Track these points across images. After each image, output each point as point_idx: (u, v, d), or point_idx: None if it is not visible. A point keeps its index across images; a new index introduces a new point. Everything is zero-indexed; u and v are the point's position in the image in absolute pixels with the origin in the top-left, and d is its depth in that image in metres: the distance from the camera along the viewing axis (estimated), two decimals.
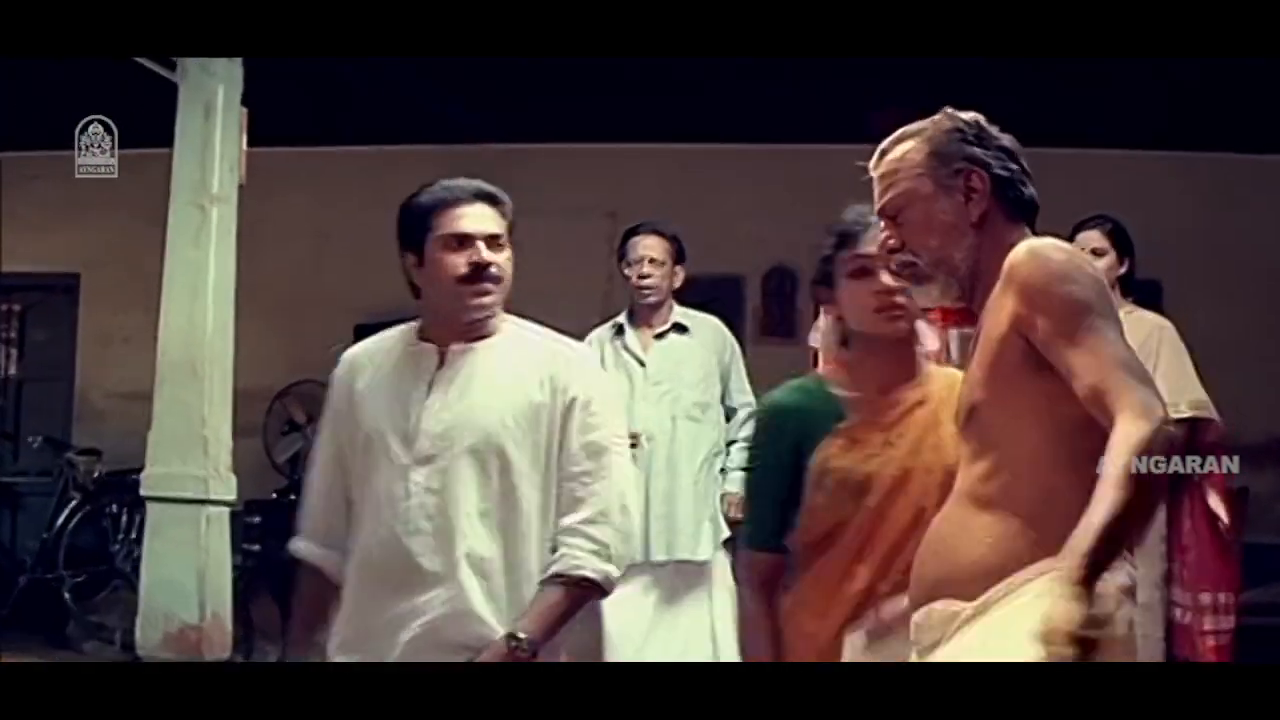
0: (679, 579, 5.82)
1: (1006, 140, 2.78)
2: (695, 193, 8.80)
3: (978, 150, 2.73)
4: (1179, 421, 5.22)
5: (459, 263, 3.26)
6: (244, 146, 6.28)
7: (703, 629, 5.73)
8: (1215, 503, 5.42)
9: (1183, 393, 5.34)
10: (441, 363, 3.30)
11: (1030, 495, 2.53)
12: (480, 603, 3.15)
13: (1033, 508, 2.53)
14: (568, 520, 3.23)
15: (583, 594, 3.22)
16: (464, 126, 8.89)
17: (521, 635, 3.10)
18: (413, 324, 3.40)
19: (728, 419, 5.99)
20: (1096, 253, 5.37)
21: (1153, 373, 5.01)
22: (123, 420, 9.40)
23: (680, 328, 5.96)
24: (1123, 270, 5.52)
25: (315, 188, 9.62)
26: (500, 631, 3.11)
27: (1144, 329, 5.41)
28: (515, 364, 3.29)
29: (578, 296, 8.99)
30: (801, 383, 3.31)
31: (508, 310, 3.35)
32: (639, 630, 5.68)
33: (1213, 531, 5.44)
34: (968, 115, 2.80)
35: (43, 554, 8.97)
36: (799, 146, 9.10)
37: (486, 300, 3.27)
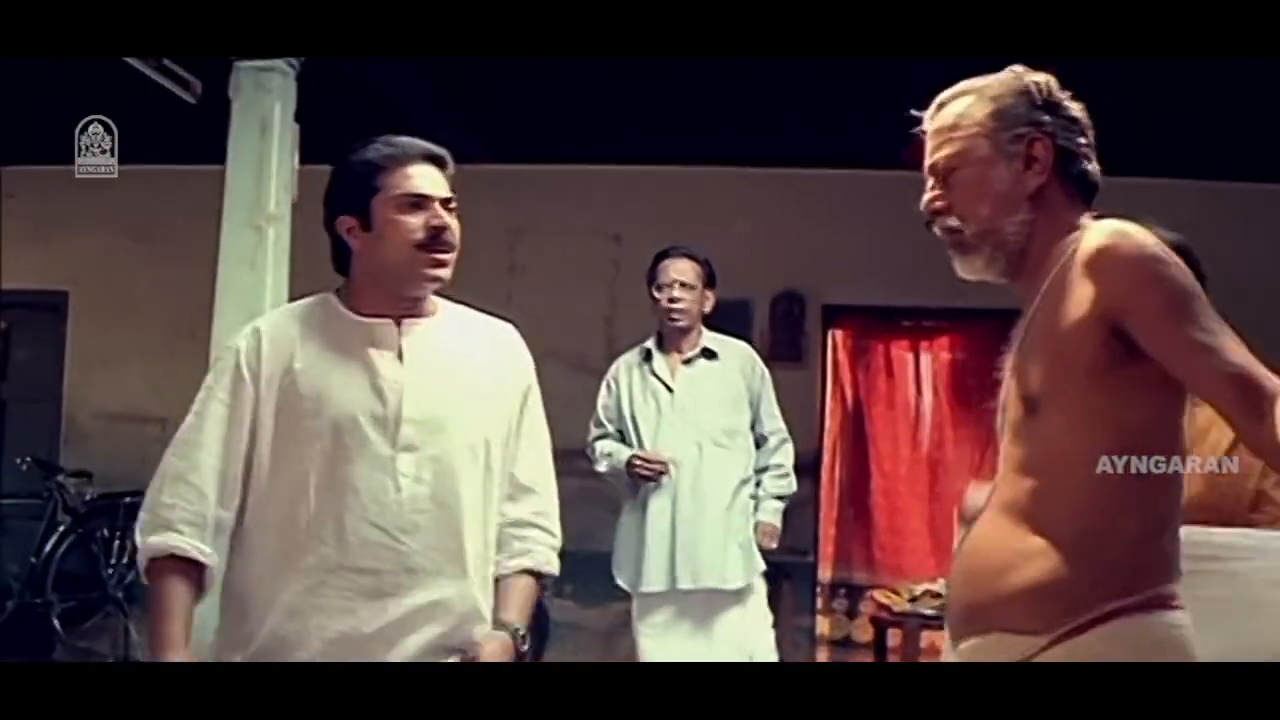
0: (710, 608, 5.66)
1: (1077, 109, 2.57)
2: (701, 215, 8.68)
3: (1045, 116, 2.52)
4: None
5: (415, 225, 2.98)
6: (297, 164, 6.11)
7: (740, 658, 5.56)
8: None
9: None
10: (398, 339, 3.02)
11: (1088, 513, 2.35)
12: (485, 604, 2.99)
13: (1090, 526, 2.35)
14: (519, 511, 3.10)
15: (541, 590, 3.15)
16: (467, 145, 8.74)
17: (521, 630, 2.98)
18: (326, 296, 3.09)
19: (758, 446, 5.84)
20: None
21: None
22: (111, 442, 9.23)
23: (709, 353, 5.81)
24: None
25: None
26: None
27: None
28: (477, 346, 3.10)
29: (581, 318, 8.88)
30: None
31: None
32: (672, 659, 5.52)
33: None
34: (1040, 76, 2.57)
35: (31, 579, 8.76)
36: (808, 171, 8.99)
37: (443, 270, 3.01)
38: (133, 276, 9.68)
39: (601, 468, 5.85)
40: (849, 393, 9.45)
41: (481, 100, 7.68)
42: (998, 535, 2.44)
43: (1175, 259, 2.33)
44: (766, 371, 5.94)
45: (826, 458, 9.30)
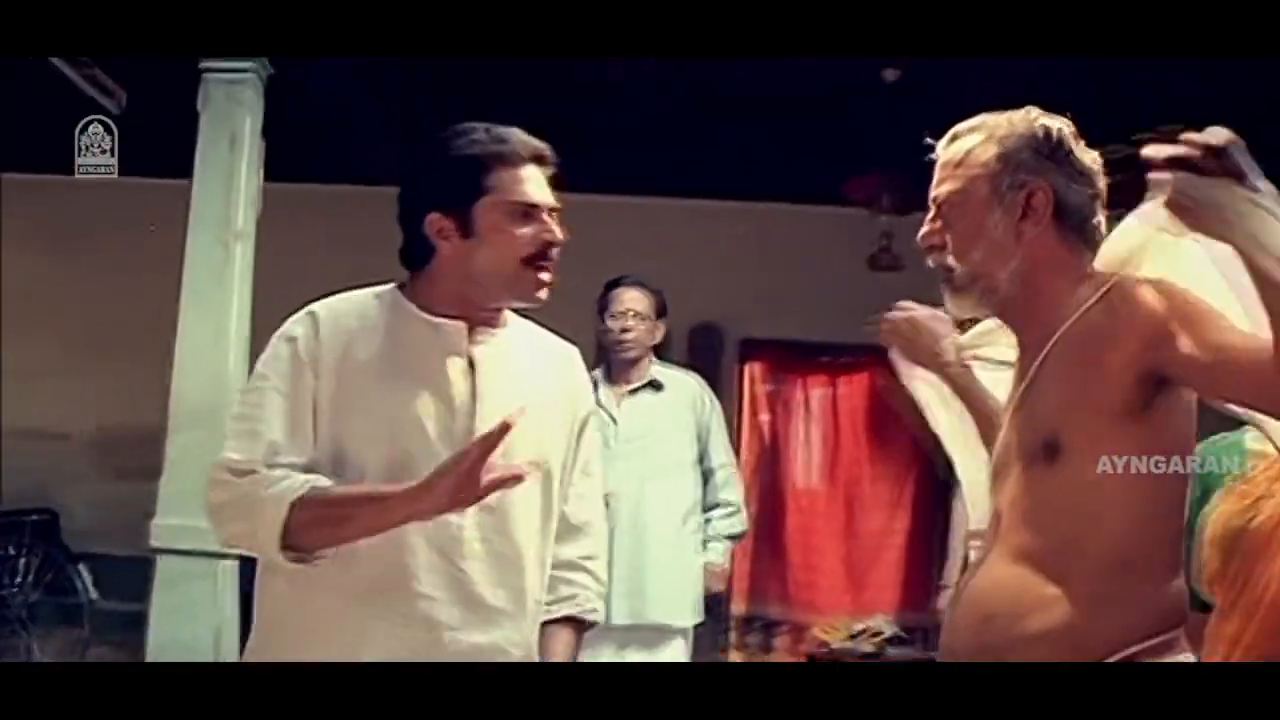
0: (655, 645, 5.56)
1: (1089, 159, 2.50)
2: (624, 245, 8.63)
3: (1049, 164, 2.46)
4: None
5: (525, 238, 2.69)
6: (261, 180, 6.02)
7: None
8: None
9: None
10: (468, 347, 2.75)
11: (1116, 559, 2.34)
12: (537, 646, 2.79)
13: (1117, 572, 2.34)
14: (570, 553, 2.89)
15: (580, 638, 2.94)
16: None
17: None
18: (390, 289, 2.80)
19: (705, 480, 5.76)
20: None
21: None
22: (15, 458, 9.01)
23: (656, 385, 5.71)
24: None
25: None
26: None
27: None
28: (545, 365, 2.87)
29: None
30: None
31: None
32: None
33: None
34: (1054, 121, 2.50)
35: None
36: (727, 204, 9.02)
37: (547, 289, 2.74)
38: (46, 289, 9.46)
39: None
40: (765, 427, 9.43)
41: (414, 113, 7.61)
42: (1013, 581, 2.39)
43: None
44: (717, 404, 5.88)
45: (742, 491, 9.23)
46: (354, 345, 2.69)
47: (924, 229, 2.55)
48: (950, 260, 2.50)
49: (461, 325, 2.75)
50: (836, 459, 9.24)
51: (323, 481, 2.57)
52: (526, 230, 2.70)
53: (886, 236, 7.72)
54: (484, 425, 2.60)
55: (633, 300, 5.67)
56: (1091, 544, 2.35)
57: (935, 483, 8.64)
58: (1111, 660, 2.30)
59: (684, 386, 5.82)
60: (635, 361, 5.70)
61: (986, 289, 2.49)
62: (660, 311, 5.75)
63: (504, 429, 2.43)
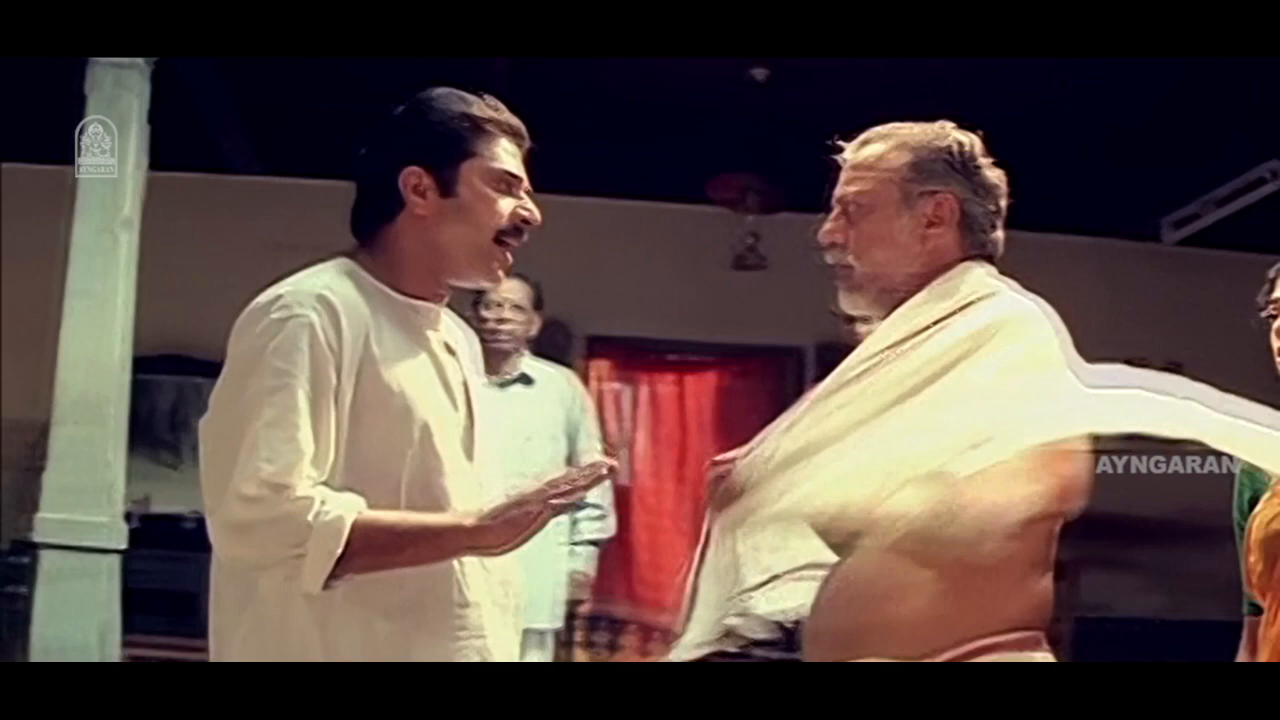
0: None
1: (995, 176, 2.59)
2: None
3: (957, 176, 2.55)
4: None
5: (504, 210, 2.57)
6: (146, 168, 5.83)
7: None
8: None
9: None
10: (443, 332, 2.63)
11: (982, 551, 2.35)
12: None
13: (982, 563, 2.34)
14: None
15: None
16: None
17: None
18: (342, 265, 2.57)
19: None
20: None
21: None
22: None
23: (526, 379, 5.61)
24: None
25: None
26: None
27: None
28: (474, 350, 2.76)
29: None
30: None
31: None
32: None
33: None
34: (965, 136, 2.59)
35: None
36: (574, 199, 8.74)
37: (500, 279, 2.64)
38: None
39: None
40: (612, 425, 9.35)
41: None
42: (882, 565, 2.39)
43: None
44: (589, 402, 5.83)
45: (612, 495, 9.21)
46: (368, 337, 2.48)
47: (826, 226, 2.61)
48: (850, 259, 2.57)
49: (435, 307, 2.64)
50: (683, 458, 9.26)
51: (362, 504, 2.38)
52: (507, 201, 2.59)
53: (752, 236, 7.81)
54: (477, 418, 2.60)
55: (510, 290, 5.52)
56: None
57: None
58: (966, 650, 2.34)
59: (555, 380, 5.74)
60: (508, 354, 5.57)
61: (884, 289, 2.55)
62: (537, 304, 5.66)
63: (597, 477, 2.40)
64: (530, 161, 2.67)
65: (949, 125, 2.61)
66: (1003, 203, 2.60)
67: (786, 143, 7.05)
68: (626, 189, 8.71)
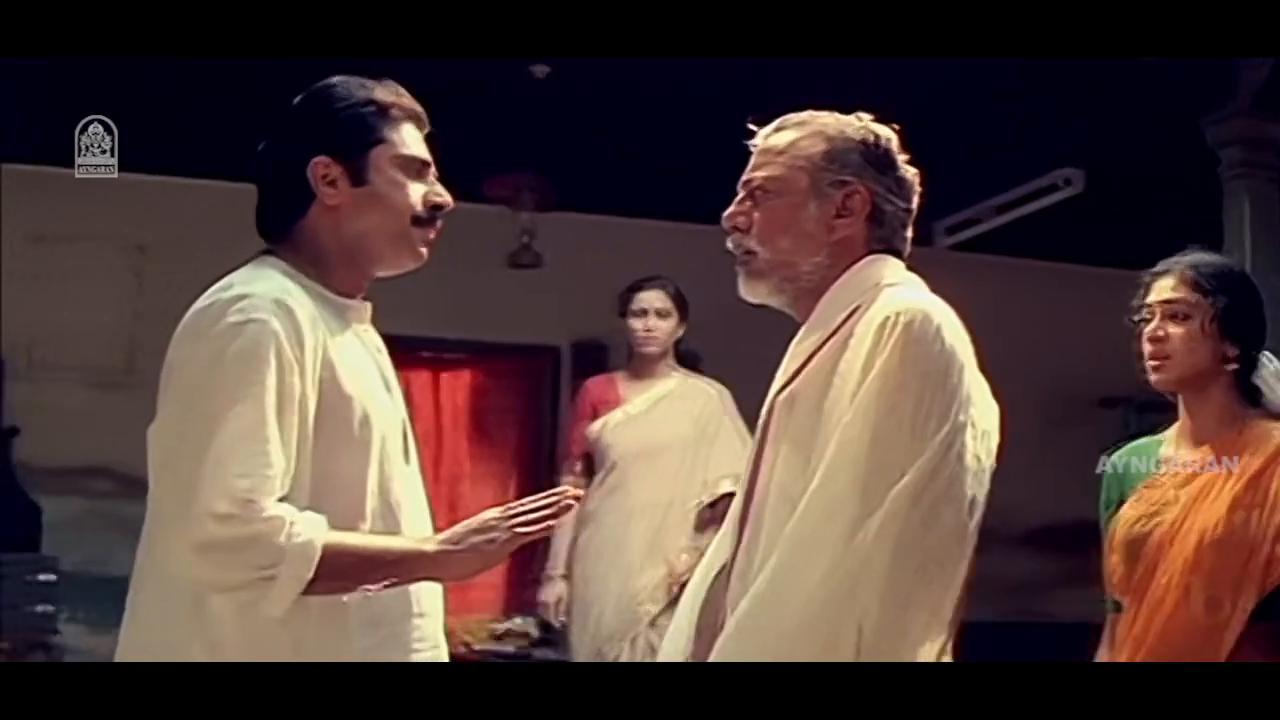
0: None
1: (909, 174, 2.59)
2: (229, 231, 8.31)
3: (871, 171, 2.54)
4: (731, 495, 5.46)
5: (418, 195, 2.52)
6: None
7: None
8: None
9: (740, 462, 5.48)
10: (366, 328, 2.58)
11: None
12: None
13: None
14: None
15: None
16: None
17: None
18: (278, 262, 2.50)
19: None
20: (660, 314, 5.53)
21: (712, 441, 5.29)
22: None
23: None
24: (680, 333, 5.67)
25: None
26: None
27: (702, 396, 5.59)
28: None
29: (101, 330, 8.37)
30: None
31: None
32: None
33: None
34: (883, 129, 2.59)
35: None
36: None
37: (423, 256, 2.57)
38: None
39: None
40: None
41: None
42: None
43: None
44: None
45: None
46: (327, 343, 2.41)
47: (731, 209, 2.58)
48: (752, 244, 2.54)
49: (365, 305, 2.60)
50: (440, 457, 9.15)
51: (324, 525, 2.32)
52: (418, 186, 2.55)
53: (527, 234, 7.74)
54: (406, 416, 2.56)
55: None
56: None
57: (539, 483, 8.68)
58: None
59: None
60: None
61: (786, 278, 2.54)
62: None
63: (562, 507, 2.41)
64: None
65: (866, 118, 2.59)
66: (914, 202, 2.59)
67: (565, 141, 7.05)
68: None
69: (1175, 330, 3.24)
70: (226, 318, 2.32)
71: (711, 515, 5.49)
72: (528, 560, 9.35)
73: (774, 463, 2.45)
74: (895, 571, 2.24)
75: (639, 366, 5.63)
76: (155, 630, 2.40)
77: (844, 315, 2.46)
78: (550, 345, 8.77)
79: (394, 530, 2.47)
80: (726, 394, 5.62)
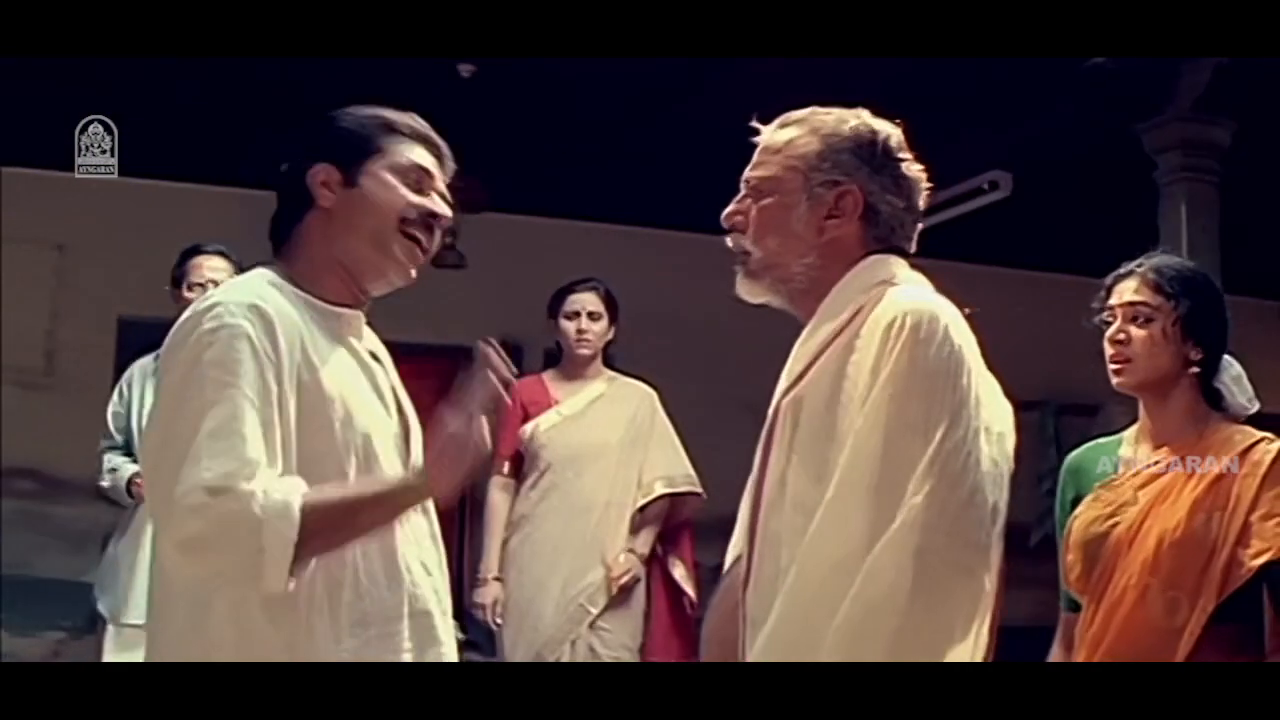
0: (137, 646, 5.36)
1: (912, 171, 2.53)
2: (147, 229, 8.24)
3: (865, 170, 2.48)
4: (664, 497, 5.50)
5: (408, 199, 2.52)
6: None
7: None
8: (681, 576, 5.59)
9: (674, 465, 5.55)
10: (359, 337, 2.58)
11: None
12: None
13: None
14: None
15: None
16: None
17: None
18: (267, 274, 2.52)
19: None
20: (593, 316, 5.53)
21: (646, 444, 5.30)
22: None
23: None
24: (610, 335, 5.66)
25: None
26: None
27: (634, 398, 5.59)
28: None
29: (20, 330, 8.27)
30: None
31: None
32: None
33: (673, 605, 5.57)
34: (883, 126, 2.52)
35: None
36: (214, 189, 8.64)
37: (416, 265, 2.56)
38: None
39: (105, 482, 5.31)
40: None
41: None
42: None
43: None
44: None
45: None
46: (303, 345, 2.43)
47: (730, 207, 2.56)
48: (748, 244, 2.52)
49: (358, 314, 2.60)
50: None
51: (303, 485, 2.32)
52: (412, 194, 2.55)
53: (451, 234, 7.69)
54: (412, 424, 2.58)
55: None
56: None
57: None
58: None
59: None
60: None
61: (779, 279, 2.50)
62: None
63: (493, 355, 2.41)
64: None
65: (866, 113, 2.54)
66: (919, 199, 2.54)
67: (491, 141, 7.04)
68: None
69: (1137, 333, 3.26)
70: (201, 325, 2.36)
71: (643, 519, 5.50)
72: (454, 563, 9.45)
73: (783, 470, 2.40)
74: (922, 581, 2.19)
75: (570, 368, 5.61)
76: (160, 632, 2.45)
77: (848, 316, 2.42)
78: (464, 346, 8.69)
79: (391, 537, 2.48)
80: (654, 396, 5.62)
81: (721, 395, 7.94)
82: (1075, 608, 3.28)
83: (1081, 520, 3.25)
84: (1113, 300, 3.30)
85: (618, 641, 5.37)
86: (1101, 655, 3.12)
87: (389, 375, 2.64)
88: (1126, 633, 3.10)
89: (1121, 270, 3.33)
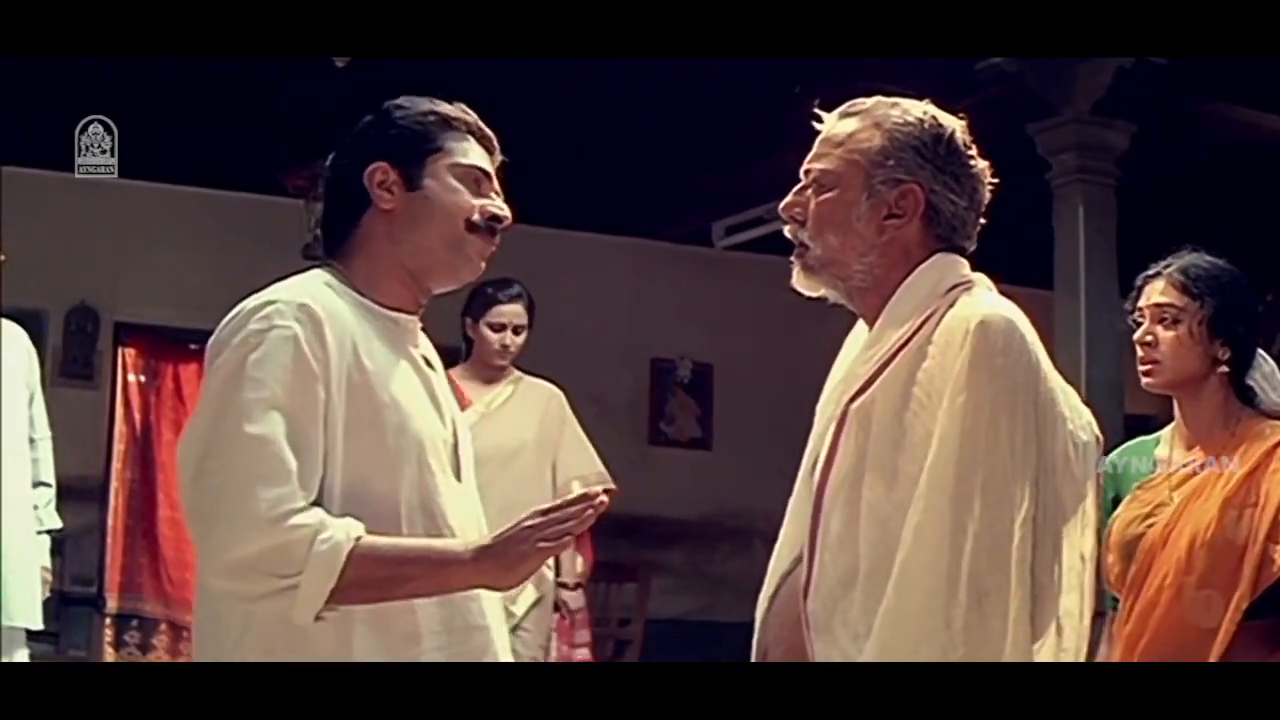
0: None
1: (976, 167, 2.44)
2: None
3: (929, 167, 2.38)
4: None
5: (472, 202, 2.47)
6: None
7: None
8: (580, 573, 5.63)
9: (586, 464, 5.54)
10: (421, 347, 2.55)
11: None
12: None
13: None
14: None
15: None
16: None
17: None
18: (324, 275, 2.48)
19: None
20: (517, 330, 5.47)
21: (558, 444, 5.28)
22: None
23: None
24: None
25: None
26: None
27: (543, 397, 5.57)
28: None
29: None
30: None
31: None
32: None
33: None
34: (948, 121, 2.43)
35: None
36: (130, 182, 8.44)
37: (480, 268, 2.52)
38: None
39: None
40: (138, 416, 8.98)
41: None
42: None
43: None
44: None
45: (114, 483, 8.84)
46: (356, 349, 2.37)
47: (789, 198, 2.47)
48: (806, 237, 2.44)
49: (415, 319, 2.54)
50: None
51: (360, 530, 2.28)
52: (474, 196, 2.50)
53: (321, 225, 7.57)
54: (463, 435, 2.55)
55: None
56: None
57: None
58: None
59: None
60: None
61: (837, 275, 2.43)
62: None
63: (589, 504, 2.32)
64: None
65: (930, 107, 2.45)
66: (983, 195, 2.45)
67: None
68: (205, 178, 8.53)
69: (1164, 334, 3.28)
70: (250, 325, 2.33)
71: None
72: None
73: (849, 475, 2.33)
74: (1026, 591, 2.19)
75: (480, 369, 5.51)
76: (210, 635, 2.41)
77: (918, 321, 2.34)
78: None
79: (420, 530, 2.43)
80: (561, 395, 5.57)
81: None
82: (1119, 606, 3.33)
83: (1120, 521, 3.29)
84: (1141, 302, 3.33)
85: (535, 642, 5.32)
86: (1139, 654, 3.17)
87: (442, 382, 2.58)
88: (1162, 631, 3.15)
89: (1150, 271, 3.37)
